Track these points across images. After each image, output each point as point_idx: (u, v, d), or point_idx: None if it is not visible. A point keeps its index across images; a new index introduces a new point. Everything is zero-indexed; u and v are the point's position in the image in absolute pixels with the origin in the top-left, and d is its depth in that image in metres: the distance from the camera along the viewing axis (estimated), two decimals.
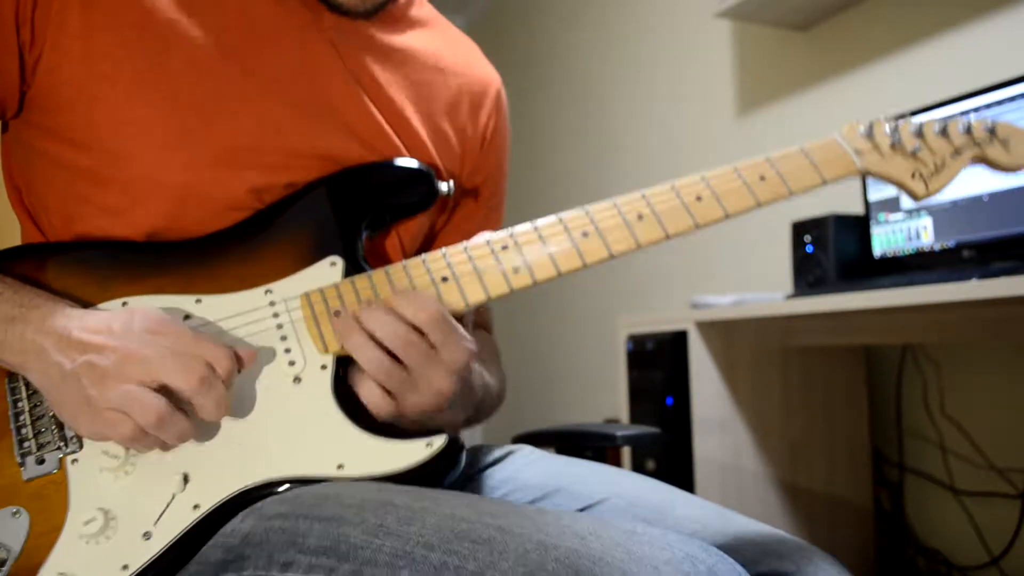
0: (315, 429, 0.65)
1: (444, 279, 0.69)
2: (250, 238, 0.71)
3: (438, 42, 0.88)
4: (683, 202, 0.72)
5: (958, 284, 1.26)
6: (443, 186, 0.78)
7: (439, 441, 0.63)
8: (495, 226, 0.96)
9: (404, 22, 0.85)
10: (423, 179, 0.77)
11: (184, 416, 0.61)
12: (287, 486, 0.63)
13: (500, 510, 0.56)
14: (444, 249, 0.70)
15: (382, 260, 0.79)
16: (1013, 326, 1.46)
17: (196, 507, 0.62)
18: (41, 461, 0.63)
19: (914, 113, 1.69)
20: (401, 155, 0.79)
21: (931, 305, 1.32)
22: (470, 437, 3.62)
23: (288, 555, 0.56)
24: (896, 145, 0.75)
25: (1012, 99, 1.52)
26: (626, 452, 1.91)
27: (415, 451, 0.63)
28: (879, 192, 1.75)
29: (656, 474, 1.80)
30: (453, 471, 0.64)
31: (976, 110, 1.58)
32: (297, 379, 0.66)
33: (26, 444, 0.63)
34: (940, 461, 1.85)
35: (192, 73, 0.71)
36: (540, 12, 3.42)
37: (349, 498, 0.58)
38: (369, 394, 0.65)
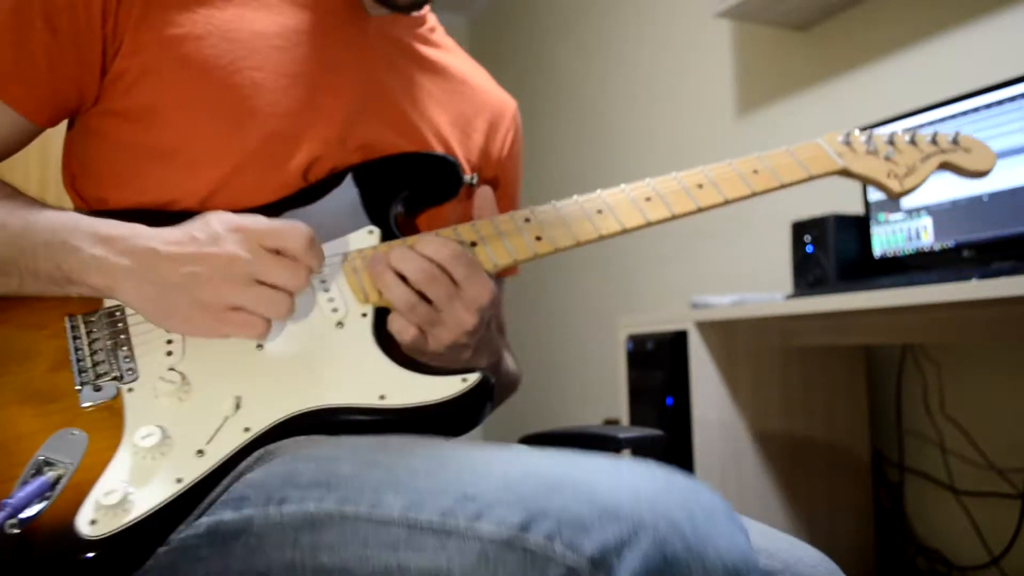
0: (358, 365, 0.70)
1: (472, 244, 0.76)
2: (293, 212, 0.77)
3: (462, 65, 0.97)
4: (685, 187, 0.80)
5: (958, 284, 1.26)
6: (467, 176, 0.85)
7: (473, 377, 0.69)
8: None
9: (431, 43, 0.93)
10: (449, 167, 0.84)
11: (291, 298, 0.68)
12: (332, 414, 0.67)
13: (490, 455, 0.58)
14: (474, 221, 0.78)
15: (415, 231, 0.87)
16: (1013, 326, 1.47)
17: (247, 429, 0.65)
18: (98, 389, 0.66)
19: (915, 113, 1.69)
20: (433, 149, 0.87)
21: (931, 305, 1.32)
22: (470, 437, 3.62)
23: (283, 492, 0.58)
24: (871, 151, 0.87)
25: (1012, 99, 1.52)
26: (626, 452, 1.91)
27: (451, 385, 0.68)
28: (879, 192, 1.76)
29: None
30: (486, 408, 0.69)
31: (976, 110, 1.58)
32: (340, 323, 0.72)
33: (84, 375, 0.67)
34: (940, 461, 1.85)
35: (252, 58, 0.77)
36: (540, 12, 3.42)
37: (350, 443, 0.62)
38: (398, 327, 0.71)
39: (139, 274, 0.66)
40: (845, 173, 0.85)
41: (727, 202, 0.80)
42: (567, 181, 3.21)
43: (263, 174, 0.77)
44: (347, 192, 0.80)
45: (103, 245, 0.67)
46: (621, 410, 1.93)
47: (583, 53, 3.13)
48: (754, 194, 0.81)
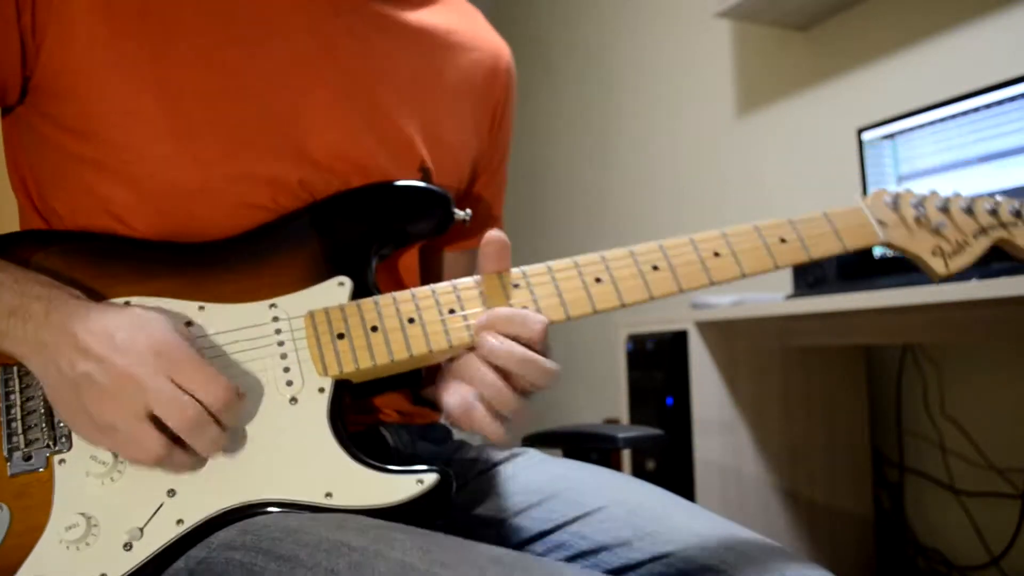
0: (307, 454, 0.64)
1: (451, 311, 0.68)
2: (260, 248, 0.70)
3: (449, 17, 0.87)
4: (700, 257, 0.71)
5: (958, 284, 1.26)
6: (459, 213, 0.76)
7: (429, 479, 0.63)
8: (499, 207, 0.96)
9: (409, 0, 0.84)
10: (440, 205, 0.75)
11: (183, 450, 0.60)
12: (272, 509, 0.62)
13: (454, 559, 0.54)
14: (455, 281, 0.69)
15: (394, 270, 0.79)
16: (1013, 326, 1.46)
17: (180, 522, 0.61)
18: (28, 458, 0.62)
19: (915, 113, 1.69)
20: (413, 147, 0.78)
21: (931, 305, 1.32)
22: (471, 436, 3.61)
23: None
24: (921, 219, 0.74)
25: (1012, 99, 1.52)
26: (626, 452, 1.91)
27: (405, 487, 0.62)
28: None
29: (656, 474, 1.80)
30: (445, 507, 0.63)
31: (976, 110, 1.58)
32: (293, 400, 0.65)
33: (14, 439, 0.62)
34: (940, 461, 1.85)
35: (197, 63, 0.69)
36: (540, 11, 3.42)
37: (308, 535, 0.57)
38: (486, 424, 0.66)
39: (49, 353, 0.60)
40: (888, 247, 0.75)
41: (744, 276, 0.71)
42: (567, 182, 3.21)
43: (224, 195, 0.70)
44: (317, 231, 0.71)
45: (21, 314, 0.61)
46: (621, 410, 1.93)
47: (583, 52, 3.13)
48: (777, 267, 0.72)
